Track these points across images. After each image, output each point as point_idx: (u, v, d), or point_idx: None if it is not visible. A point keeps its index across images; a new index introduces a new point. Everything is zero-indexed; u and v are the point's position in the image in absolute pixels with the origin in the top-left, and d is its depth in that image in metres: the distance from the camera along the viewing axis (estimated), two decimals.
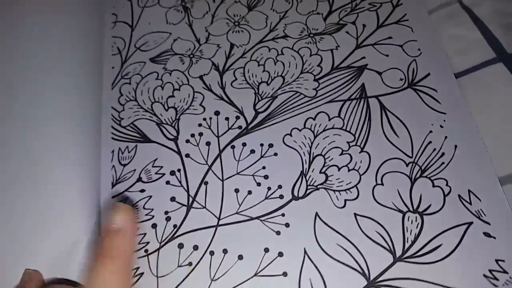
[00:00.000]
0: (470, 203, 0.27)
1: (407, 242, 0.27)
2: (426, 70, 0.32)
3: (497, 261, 0.26)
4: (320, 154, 0.30)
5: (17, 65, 0.33)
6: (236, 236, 0.28)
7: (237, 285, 0.27)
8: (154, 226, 0.29)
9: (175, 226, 0.29)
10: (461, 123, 0.30)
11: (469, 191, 0.28)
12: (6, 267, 0.27)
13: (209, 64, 0.35)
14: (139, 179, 0.31)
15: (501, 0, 0.33)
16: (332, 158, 0.30)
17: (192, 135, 0.32)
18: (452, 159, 0.29)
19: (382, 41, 0.34)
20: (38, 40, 0.34)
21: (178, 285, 0.27)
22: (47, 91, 0.32)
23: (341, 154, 0.30)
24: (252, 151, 0.31)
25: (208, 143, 0.32)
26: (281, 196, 0.29)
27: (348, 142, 0.30)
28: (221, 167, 0.31)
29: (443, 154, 0.29)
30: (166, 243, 0.29)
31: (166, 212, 0.30)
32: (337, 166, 0.30)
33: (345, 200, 0.29)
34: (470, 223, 0.27)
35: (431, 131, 0.30)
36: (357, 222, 0.28)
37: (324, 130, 0.31)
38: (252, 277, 0.27)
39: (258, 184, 0.30)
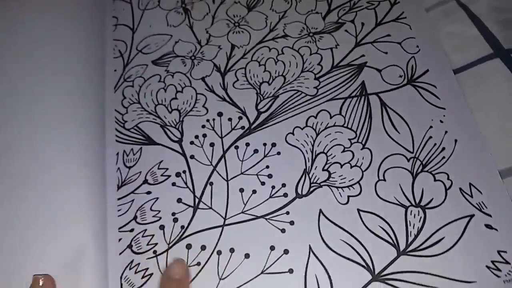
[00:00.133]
0: (471, 196, 0.28)
1: (410, 236, 0.27)
2: (425, 66, 0.33)
3: (499, 252, 0.26)
4: (323, 152, 0.31)
5: (22, 69, 0.33)
6: (242, 235, 0.29)
7: (245, 283, 0.28)
8: (162, 227, 0.30)
9: (182, 227, 0.30)
10: (460, 118, 0.30)
11: (470, 184, 0.28)
12: (15, 270, 0.28)
13: (210, 65, 0.35)
14: (145, 181, 0.31)
15: None
16: (335, 156, 0.31)
17: (196, 137, 0.33)
18: (453, 153, 0.29)
19: (381, 38, 0.34)
20: (41, 43, 0.34)
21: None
22: (52, 94, 0.32)
23: (343, 151, 0.31)
24: (256, 151, 0.32)
25: (212, 144, 0.32)
26: (285, 195, 0.30)
27: (349, 139, 0.31)
28: (226, 168, 0.31)
29: (443, 148, 0.30)
30: (175, 244, 0.29)
31: (173, 214, 0.30)
32: (339, 163, 0.30)
33: (348, 197, 0.29)
34: (472, 216, 0.27)
35: (431, 127, 0.30)
36: (361, 218, 0.28)
37: (325, 128, 0.32)
38: (259, 274, 0.28)
39: (262, 183, 0.30)
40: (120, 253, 0.29)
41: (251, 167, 0.31)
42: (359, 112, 0.32)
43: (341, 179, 0.30)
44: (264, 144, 0.32)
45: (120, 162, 0.32)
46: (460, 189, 0.28)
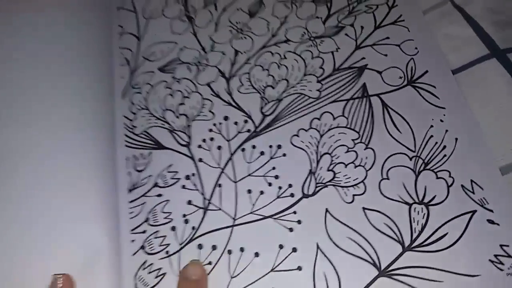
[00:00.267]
0: (473, 192, 0.29)
1: (415, 232, 0.28)
2: (424, 67, 0.34)
3: (501, 246, 0.27)
4: (327, 153, 0.32)
5: (38, 75, 0.34)
6: (251, 234, 0.30)
7: (255, 281, 0.29)
8: (173, 228, 0.31)
9: (193, 228, 0.31)
10: (460, 117, 0.31)
11: (471, 181, 0.29)
12: (32, 270, 0.28)
13: (215, 71, 0.36)
14: (156, 184, 0.32)
15: None
16: (339, 156, 0.32)
17: (204, 140, 0.34)
18: (454, 151, 0.30)
19: (380, 41, 0.35)
20: (52, 50, 0.35)
21: None
22: (64, 99, 0.33)
23: (347, 151, 0.32)
24: (262, 153, 0.32)
25: (219, 147, 0.33)
26: (292, 195, 0.31)
27: (353, 140, 0.32)
28: (233, 170, 0.32)
29: (444, 147, 0.31)
30: (186, 244, 0.30)
31: (184, 215, 0.31)
32: (343, 163, 0.31)
33: (353, 195, 0.30)
34: (474, 211, 0.28)
35: (432, 126, 0.31)
36: (366, 216, 0.29)
37: (329, 129, 0.33)
38: (268, 272, 0.29)
39: (270, 184, 0.31)
40: (134, 254, 0.30)
41: (258, 169, 0.32)
42: (361, 113, 0.33)
43: (346, 179, 0.31)
44: (270, 146, 0.33)
45: (130, 166, 0.33)
46: (462, 186, 0.29)
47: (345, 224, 0.29)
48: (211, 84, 0.36)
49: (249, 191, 0.31)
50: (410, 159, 0.31)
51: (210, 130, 0.34)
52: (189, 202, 0.31)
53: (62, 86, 0.35)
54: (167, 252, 0.30)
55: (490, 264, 0.27)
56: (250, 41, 0.37)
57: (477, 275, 0.27)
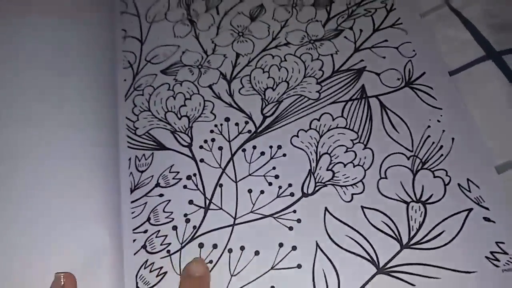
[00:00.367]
0: (470, 191, 0.29)
1: (412, 230, 0.29)
2: (421, 69, 0.34)
3: (497, 243, 0.28)
4: (326, 153, 0.32)
5: (44, 76, 0.35)
6: (251, 233, 0.30)
7: (255, 279, 0.29)
8: (174, 228, 0.31)
9: (194, 227, 0.31)
10: (457, 117, 0.32)
11: (468, 179, 0.30)
12: (33, 269, 0.29)
13: (217, 73, 0.37)
14: (157, 185, 0.33)
15: (488, 2, 0.35)
16: (338, 156, 0.32)
17: (205, 141, 0.34)
18: (451, 151, 0.31)
19: (378, 44, 0.36)
20: (58, 53, 0.36)
21: None
22: (68, 100, 0.34)
23: (346, 151, 0.32)
24: (262, 153, 0.33)
25: (220, 148, 0.34)
26: (291, 194, 0.31)
27: (352, 140, 0.32)
28: (234, 170, 0.33)
29: (441, 146, 0.31)
30: (187, 243, 0.30)
31: (185, 215, 0.31)
32: (342, 163, 0.32)
33: (352, 194, 0.31)
34: (470, 209, 0.29)
35: (429, 126, 0.32)
36: (364, 214, 0.30)
37: (328, 130, 0.33)
38: (268, 270, 0.29)
39: (270, 184, 0.32)
40: (135, 253, 0.31)
41: (258, 169, 0.32)
42: (360, 114, 0.33)
43: (345, 178, 0.31)
44: (270, 147, 0.33)
45: (133, 167, 0.34)
46: (459, 184, 0.30)
47: (344, 223, 0.30)
48: (212, 86, 0.36)
49: (250, 191, 0.32)
50: (408, 158, 0.31)
51: (211, 131, 0.34)
52: (191, 202, 0.32)
53: (66, 88, 0.35)
54: (168, 251, 0.30)
55: (486, 261, 0.27)
56: (251, 44, 0.38)
57: (474, 272, 0.27)
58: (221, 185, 0.32)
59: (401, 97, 0.34)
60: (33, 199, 0.31)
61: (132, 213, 0.32)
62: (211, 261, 0.30)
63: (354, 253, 0.29)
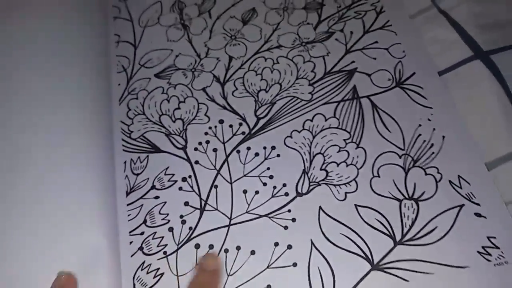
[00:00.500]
0: (461, 187, 0.30)
1: (405, 227, 0.29)
2: (411, 69, 0.35)
3: (488, 238, 0.28)
4: (320, 153, 0.33)
5: (40, 81, 0.35)
6: (247, 233, 0.31)
7: (252, 278, 0.29)
8: (170, 229, 0.31)
9: (190, 228, 0.31)
10: (447, 116, 0.33)
11: (459, 176, 0.30)
12: (32, 271, 0.29)
13: (210, 76, 0.37)
14: (153, 187, 0.33)
15: (475, 3, 0.36)
16: (331, 156, 0.32)
17: (200, 143, 0.34)
18: (441, 149, 0.31)
19: (369, 45, 0.37)
20: (54, 58, 0.36)
21: None
22: (62, 105, 0.34)
23: (339, 151, 0.33)
24: (256, 154, 0.33)
25: (215, 150, 0.34)
26: (286, 194, 0.32)
27: (344, 140, 0.33)
28: (229, 171, 0.33)
29: (432, 144, 0.32)
30: (184, 244, 0.31)
31: (181, 216, 0.32)
32: (336, 162, 0.32)
33: (346, 193, 0.31)
34: (462, 206, 0.29)
35: (420, 125, 0.33)
36: (358, 212, 0.30)
37: (321, 130, 0.34)
38: (264, 269, 0.29)
39: (264, 184, 0.32)
40: (132, 255, 0.31)
41: (253, 170, 0.33)
42: (352, 114, 0.34)
43: (338, 177, 0.32)
44: (264, 148, 0.34)
45: (128, 170, 0.34)
46: (450, 181, 0.30)
47: (338, 221, 0.30)
48: (206, 89, 0.37)
49: (245, 192, 0.32)
50: (400, 157, 0.32)
51: (206, 133, 0.35)
52: (186, 204, 0.32)
53: (60, 94, 0.35)
54: (165, 252, 0.31)
55: (478, 256, 0.28)
56: (243, 47, 0.39)
57: (466, 267, 0.27)
58: (216, 186, 0.33)
59: (392, 97, 0.34)
60: (29, 204, 0.31)
61: (128, 215, 0.32)
62: None
63: (348, 251, 0.29)
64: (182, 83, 0.37)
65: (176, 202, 0.32)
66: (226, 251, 0.30)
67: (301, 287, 0.28)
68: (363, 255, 0.29)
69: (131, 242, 0.31)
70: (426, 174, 0.31)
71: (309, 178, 0.32)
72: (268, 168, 0.33)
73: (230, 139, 0.34)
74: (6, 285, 0.28)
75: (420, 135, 0.32)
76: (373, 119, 0.33)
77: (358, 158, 0.32)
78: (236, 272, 0.29)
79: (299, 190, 0.32)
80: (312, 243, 0.30)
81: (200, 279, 0.28)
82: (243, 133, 0.34)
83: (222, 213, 0.32)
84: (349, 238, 0.29)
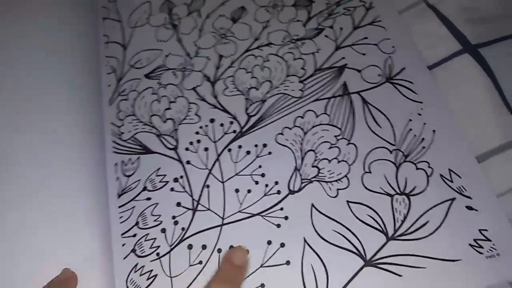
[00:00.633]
0: (452, 181, 0.30)
1: (397, 222, 0.29)
2: (401, 64, 0.35)
3: (480, 231, 0.28)
4: (311, 149, 0.33)
5: (30, 84, 0.35)
6: (240, 232, 0.31)
7: (245, 277, 0.29)
8: (163, 230, 0.31)
9: (183, 229, 0.31)
10: (437, 110, 0.33)
11: (449, 170, 0.30)
12: (25, 275, 0.29)
13: (200, 76, 0.37)
14: (145, 188, 0.33)
15: None
16: (322, 152, 0.32)
17: (191, 143, 0.34)
18: (432, 143, 0.32)
19: (359, 41, 0.37)
20: (41, 62, 0.36)
21: (191, 283, 0.29)
22: (52, 108, 0.34)
23: (330, 147, 0.33)
24: (248, 152, 0.33)
25: (206, 149, 0.34)
26: (278, 192, 0.32)
27: (335, 136, 0.33)
28: (221, 170, 0.33)
29: (423, 139, 0.32)
30: (176, 245, 0.31)
31: (174, 217, 0.32)
32: (327, 159, 0.32)
33: (337, 190, 0.31)
34: (453, 199, 0.29)
35: (410, 120, 0.33)
36: (350, 209, 0.30)
37: (312, 127, 0.34)
38: (258, 268, 0.29)
39: (256, 183, 0.32)
40: (125, 258, 0.31)
41: (244, 168, 0.33)
42: (343, 110, 0.34)
43: (330, 174, 0.32)
44: (256, 146, 0.33)
45: (119, 172, 0.34)
46: (441, 175, 0.30)
47: (330, 218, 0.30)
48: (196, 89, 0.37)
49: (237, 190, 0.32)
50: (391, 152, 0.32)
51: (197, 133, 0.35)
52: (178, 204, 0.32)
53: (50, 95, 0.35)
54: (157, 254, 0.30)
55: (470, 249, 0.28)
56: (233, 46, 0.38)
57: (458, 260, 0.28)
58: (208, 186, 0.32)
59: (383, 92, 0.34)
60: (21, 205, 0.31)
61: (120, 217, 0.32)
62: (200, 262, 0.30)
63: (341, 247, 0.29)
64: (172, 83, 0.37)
65: (168, 203, 0.32)
66: (219, 251, 0.30)
67: (294, 285, 0.28)
68: (356, 251, 0.29)
69: (123, 245, 0.31)
70: (417, 168, 0.31)
71: (301, 175, 0.32)
72: (260, 166, 0.33)
73: (221, 138, 0.34)
74: None
75: (410, 129, 0.32)
76: (363, 115, 0.33)
77: (350, 154, 0.32)
78: None
79: (291, 188, 0.32)
80: (305, 240, 0.30)
81: (226, 273, 0.27)
82: (234, 131, 0.34)
83: (214, 213, 0.31)
84: (341, 234, 0.29)
